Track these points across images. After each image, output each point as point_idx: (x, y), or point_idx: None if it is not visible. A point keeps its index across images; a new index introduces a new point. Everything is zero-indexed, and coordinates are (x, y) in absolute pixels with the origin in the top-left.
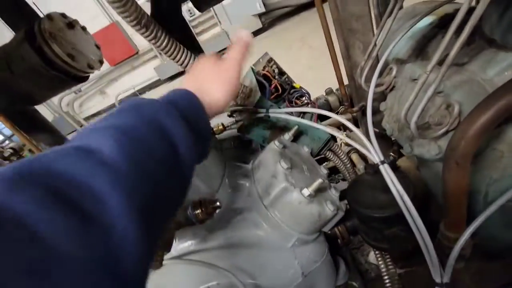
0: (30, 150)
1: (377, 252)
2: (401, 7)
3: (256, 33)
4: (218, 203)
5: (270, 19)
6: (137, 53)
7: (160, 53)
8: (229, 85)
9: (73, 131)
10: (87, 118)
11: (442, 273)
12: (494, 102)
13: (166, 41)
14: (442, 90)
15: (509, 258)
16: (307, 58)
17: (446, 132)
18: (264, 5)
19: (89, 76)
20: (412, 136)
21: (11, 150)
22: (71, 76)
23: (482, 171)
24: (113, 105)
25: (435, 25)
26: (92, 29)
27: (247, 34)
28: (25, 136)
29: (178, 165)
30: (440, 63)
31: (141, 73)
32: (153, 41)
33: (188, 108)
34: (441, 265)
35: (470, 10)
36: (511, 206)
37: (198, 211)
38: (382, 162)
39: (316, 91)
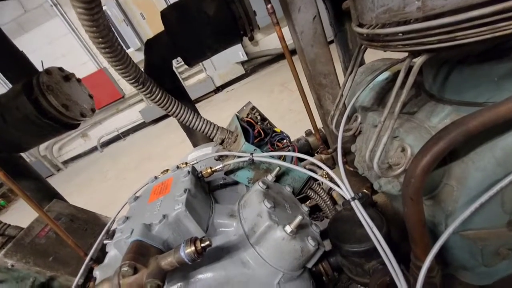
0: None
1: None
2: (360, 65)
3: (240, 78)
4: (208, 242)
5: (252, 66)
6: (123, 97)
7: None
8: None
9: (49, 176)
10: (65, 162)
11: None
12: (431, 147)
13: (159, 95)
14: (398, 135)
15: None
16: (288, 101)
17: (404, 171)
18: (246, 54)
19: (80, 123)
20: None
21: None
22: (62, 124)
23: (440, 205)
24: (94, 148)
25: (390, 80)
26: (80, 74)
27: None
28: (14, 183)
29: None
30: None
31: (125, 116)
32: (148, 95)
33: None
34: None
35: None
36: (469, 235)
37: (190, 249)
38: (353, 198)
39: (297, 131)
